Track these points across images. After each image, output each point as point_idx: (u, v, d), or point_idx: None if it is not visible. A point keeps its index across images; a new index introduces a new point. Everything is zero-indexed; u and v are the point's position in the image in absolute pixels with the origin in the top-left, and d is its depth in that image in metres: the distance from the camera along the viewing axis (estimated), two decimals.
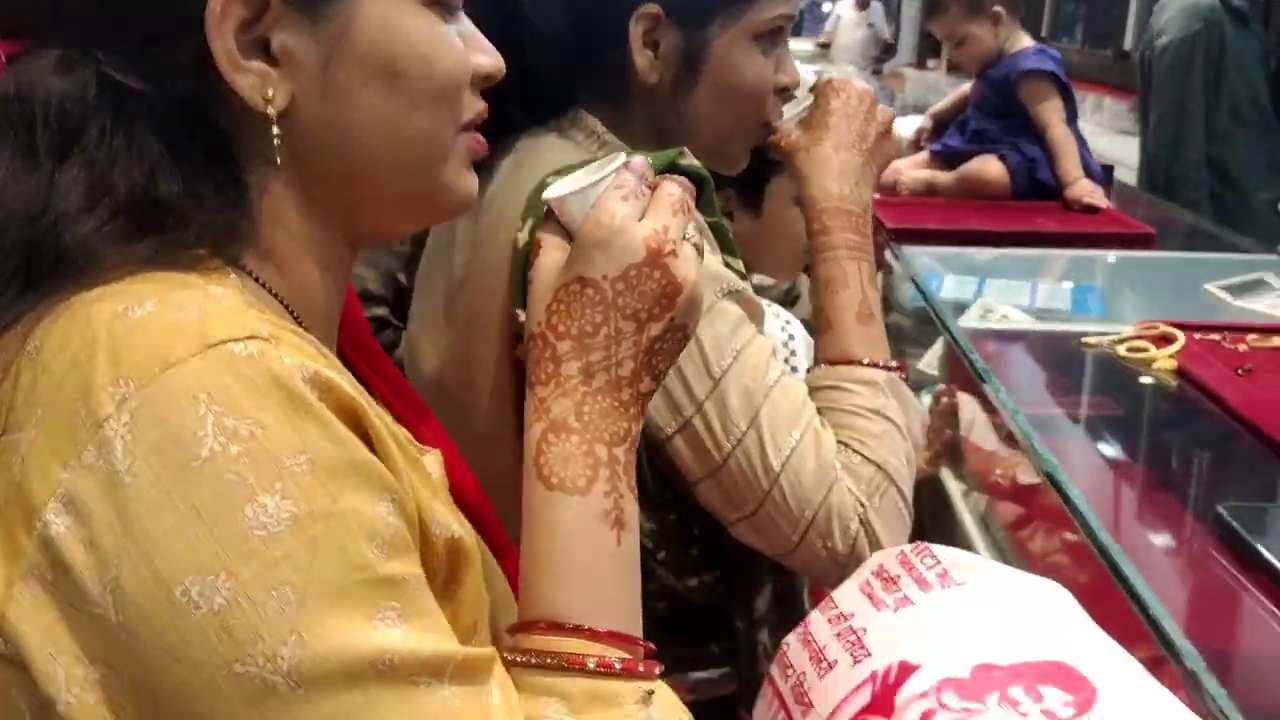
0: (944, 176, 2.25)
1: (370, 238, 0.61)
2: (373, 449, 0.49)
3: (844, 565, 0.79)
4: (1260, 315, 1.47)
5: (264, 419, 0.44)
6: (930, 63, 8.06)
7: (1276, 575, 0.77)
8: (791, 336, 1.18)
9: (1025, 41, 2.22)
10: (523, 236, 0.77)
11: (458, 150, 0.57)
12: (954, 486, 1.39)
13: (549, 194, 0.61)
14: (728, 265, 0.84)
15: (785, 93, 0.87)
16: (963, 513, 1.35)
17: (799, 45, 9.75)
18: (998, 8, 2.17)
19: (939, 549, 0.72)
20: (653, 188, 0.60)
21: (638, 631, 0.57)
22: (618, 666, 0.53)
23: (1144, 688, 0.57)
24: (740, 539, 0.83)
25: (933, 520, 1.37)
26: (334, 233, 0.56)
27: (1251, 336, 1.32)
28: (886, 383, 0.85)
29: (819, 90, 0.95)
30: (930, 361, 1.73)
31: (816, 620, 0.73)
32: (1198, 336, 1.32)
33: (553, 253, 0.59)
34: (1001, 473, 1.33)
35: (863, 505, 0.80)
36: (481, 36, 0.59)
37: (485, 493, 0.65)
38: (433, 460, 0.58)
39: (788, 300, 1.47)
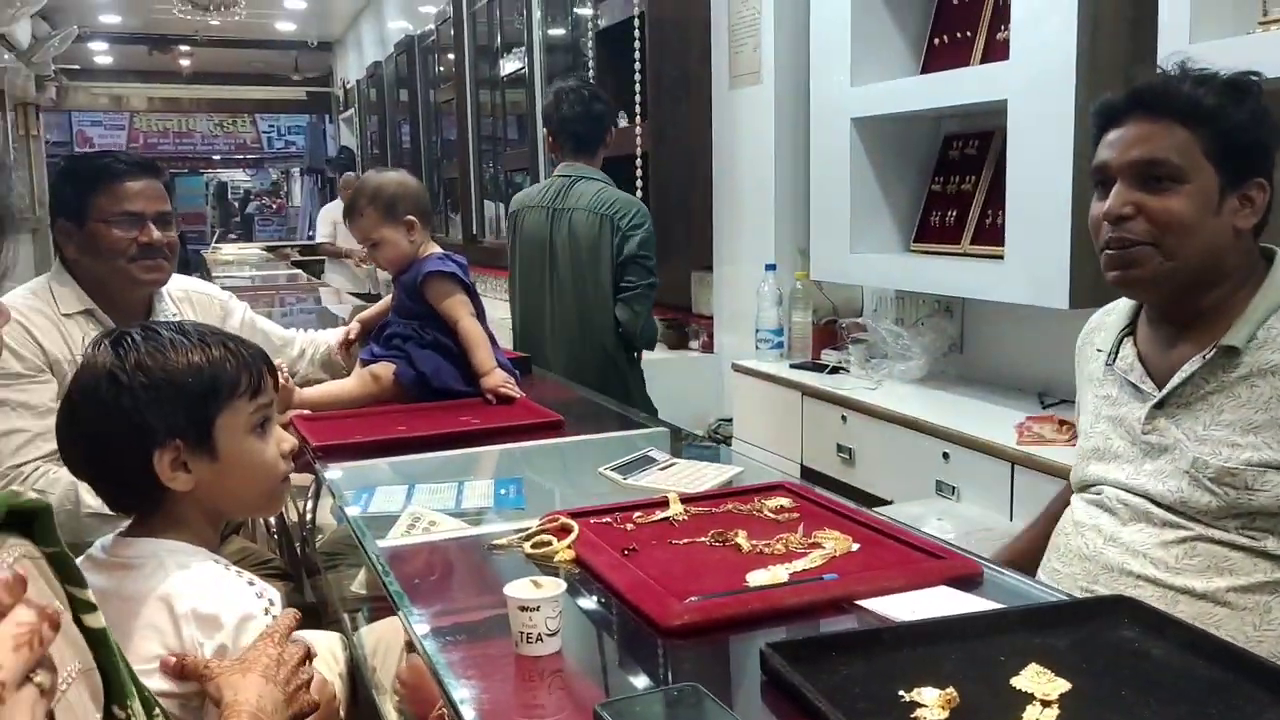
0: (347, 388, 2.28)
1: None
2: None
3: None
4: (648, 490, 1.63)
5: None
6: None
7: None
8: (271, 602, 1.17)
9: (433, 248, 2.37)
10: None
11: None
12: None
13: None
14: (72, 597, 0.75)
15: None
16: None
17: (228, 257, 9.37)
18: (410, 216, 2.29)
19: None
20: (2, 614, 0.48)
21: None
22: None
23: None
24: None
25: None
26: None
27: (637, 514, 1.46)
28: None
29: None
30: (361, 581, 1.70)
31: None
32: (593, 521, 1.43)
33: None
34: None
35: None
36: None
37: None
38: None
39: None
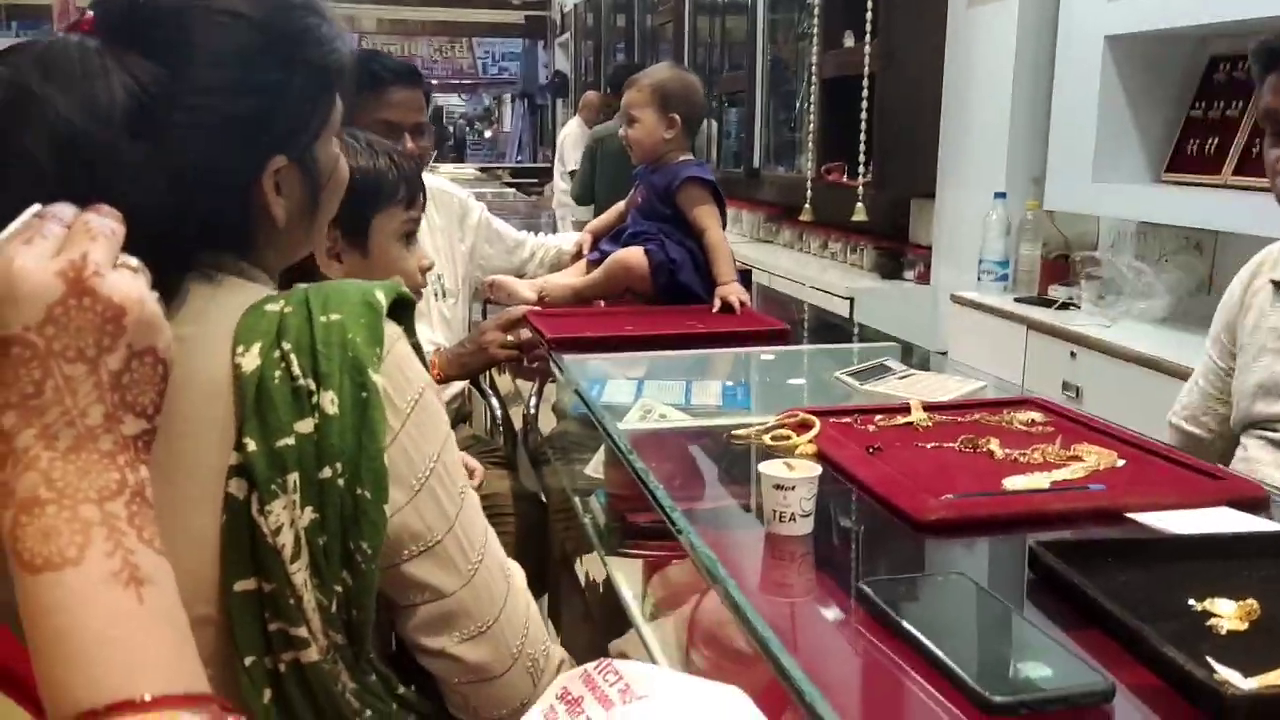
0: (591, 276, 2.32)
1: None
2: None
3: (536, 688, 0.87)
4: (883, 396, 1.59)
5: None
6: None
7: (917, 644, 0.80)
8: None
9: (689, 155, 2.39)
10: (248, 360, 0.74)
11: None
12: (628, 590, 1.38)
13: None
14: None
15: None
16: (637, 616, 1.34)
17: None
18: (677, 115, 2.31)
19: (621, 664, 0.70)
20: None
21: (201, 686, 0.50)
22: None
23: None
24: (446, 669, 0.84)
25: (609, 625, 1.35)
26: None
27: (879, 417, 1.43)
28: None
29: None
30: (595, 466, 1.74)
31: None
32: (832, 421, 1.40)
33: None
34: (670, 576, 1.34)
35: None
36: None
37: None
38: None
39: None
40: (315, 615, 0.75)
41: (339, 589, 0.76)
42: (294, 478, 0.73)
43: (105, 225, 0.55)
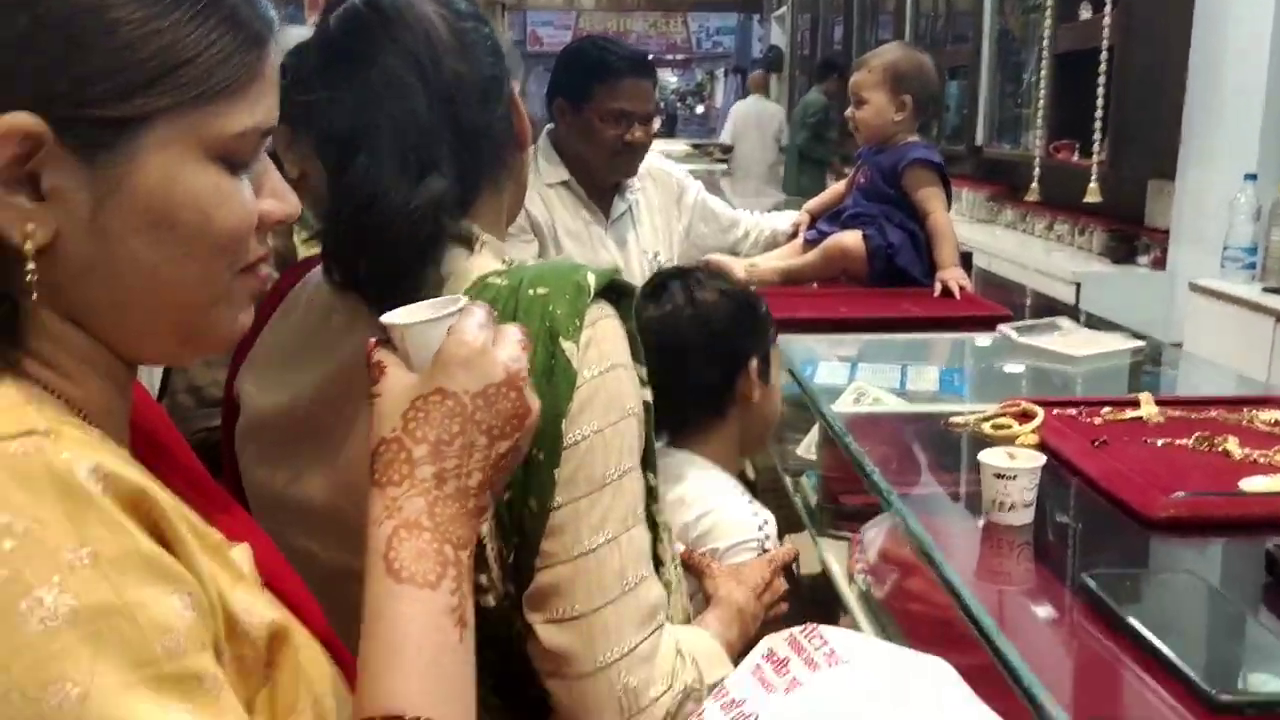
0: (804, 257, 2.33)
1: (148, 361, 0.61)
2: (165, 540, 0.49)
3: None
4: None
5: (40, 514, 0.44)
6: None
7: (1141, 639, 0.80)
8: (766, 521, 1.33)
9: (916, 137, 2.37)
10: None
11: (234, 292, 0.58)
12: (838, 569, 1.41)
13: (389, 319, 0.65)
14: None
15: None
16: (848, 596, 1.37)
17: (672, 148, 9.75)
18: (908, 98, 2.30)
19: (827, 630, 0.74)
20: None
21: None
22: None
23: None
24: (531, 651, 0.81)
25: (818, 605, 1.38)
26: (109, 351, 0.56)
27: (1105, 410, 1.39)
28: None
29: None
30: (808, 446, 1.76)
31: (711, 709, 0.73)
32: (1056, 412, 1.38)
33: (398, 371, 0.64)
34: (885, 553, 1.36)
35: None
36: (279, 179, 0.60)
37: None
38: (240, 553, 0.58)
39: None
40: (495, 565, 0.80)
41: (517, 540, 0.80)
42: None
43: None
